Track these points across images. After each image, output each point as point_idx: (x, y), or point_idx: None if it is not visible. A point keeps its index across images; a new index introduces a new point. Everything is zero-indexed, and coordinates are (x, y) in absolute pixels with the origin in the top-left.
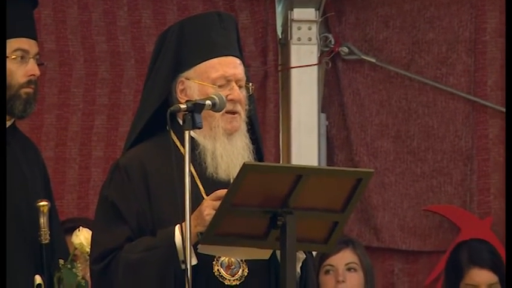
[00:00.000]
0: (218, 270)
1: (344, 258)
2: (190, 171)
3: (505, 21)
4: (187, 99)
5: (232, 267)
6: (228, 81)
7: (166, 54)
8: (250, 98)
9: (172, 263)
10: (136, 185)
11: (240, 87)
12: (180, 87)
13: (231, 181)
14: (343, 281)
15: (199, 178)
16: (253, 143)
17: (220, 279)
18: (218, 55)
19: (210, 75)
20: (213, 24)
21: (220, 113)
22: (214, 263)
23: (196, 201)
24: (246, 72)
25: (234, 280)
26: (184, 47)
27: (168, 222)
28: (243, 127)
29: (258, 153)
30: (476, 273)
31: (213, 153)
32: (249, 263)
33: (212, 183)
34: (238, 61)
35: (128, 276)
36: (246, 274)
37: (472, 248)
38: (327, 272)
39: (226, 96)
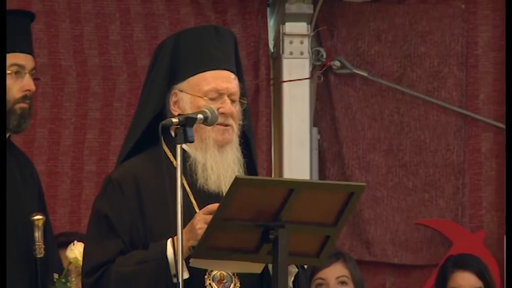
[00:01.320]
0: (210, 284)
1: (335, 271)
2: (182, 184)
3: (496, 35)
4: (180, 111)
5: (224, 281)
6: (221, 94)
7: (161, 66)
8: (245, 113)
9: (164, 276)
10: (129, 199)
11: (233, 101)
12: (173, 99)
13: (222, 193)
14: None
15: (190, 190)
16: (246, 158)
17: None
18: (212, 68)
19: (202, 88)
20: (209, 37)
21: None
22: (206, 277)
23: (188, 213)
24: (243, 87)
25: None
26: (179, 59)
27: (161, 236)
28: (235, 140)
29: (252, 169)
30: (459, 275)
31: (203, 165)
32: (241, 277)
33: (204, 196)
34: (232, 76)
35: None
36: None
37: (458, 255)
38: (319, 285)
39: (218, 109)
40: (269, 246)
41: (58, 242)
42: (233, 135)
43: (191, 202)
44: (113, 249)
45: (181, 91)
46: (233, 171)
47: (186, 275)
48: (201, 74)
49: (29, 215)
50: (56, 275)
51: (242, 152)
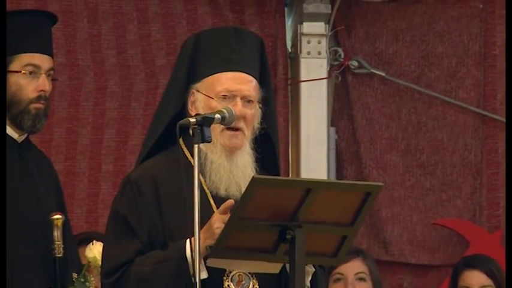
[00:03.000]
0: (228, 285)
1: (354, 267)
2: (199, 181)
3: None
4: (196, 112)
5: (243, 282)
6: (233, 96)
7: (181, 65)
8: (266, 116)
9: (183, 276)
10: (148, 199)
11: (248, 102)
12: (191, 99)
13: (232, 194)
14: None
15: (208, 189)
16: (269, 160)
17: None
18: (227, 70)
19: (215, 88)
20: (228, 39)
21: (220, 128)
22: (224, 278)
23: (207, 212)
24: (266, 91)
25: None
26: (198, 59)
27: (179, 235)
28: (246, 145)
29: (275, 171)
30: (468, 274)
31: (212, 164)
32: (259, 277)
33: (220, 195)
34: (249, 78)
35: None
36: None
37: (470, 256)
38: (337, 280)
39: None
40: (286, 246)
41: (76, 241)
42: (243, 140)
43: (209, 201)
44: (131, 250)
45: (198, 91)
46: (243, 174)
47: (204, 275)
48: (216, 74)
49: (48, 214)
50: (74, 275)
51: (258, 151)
